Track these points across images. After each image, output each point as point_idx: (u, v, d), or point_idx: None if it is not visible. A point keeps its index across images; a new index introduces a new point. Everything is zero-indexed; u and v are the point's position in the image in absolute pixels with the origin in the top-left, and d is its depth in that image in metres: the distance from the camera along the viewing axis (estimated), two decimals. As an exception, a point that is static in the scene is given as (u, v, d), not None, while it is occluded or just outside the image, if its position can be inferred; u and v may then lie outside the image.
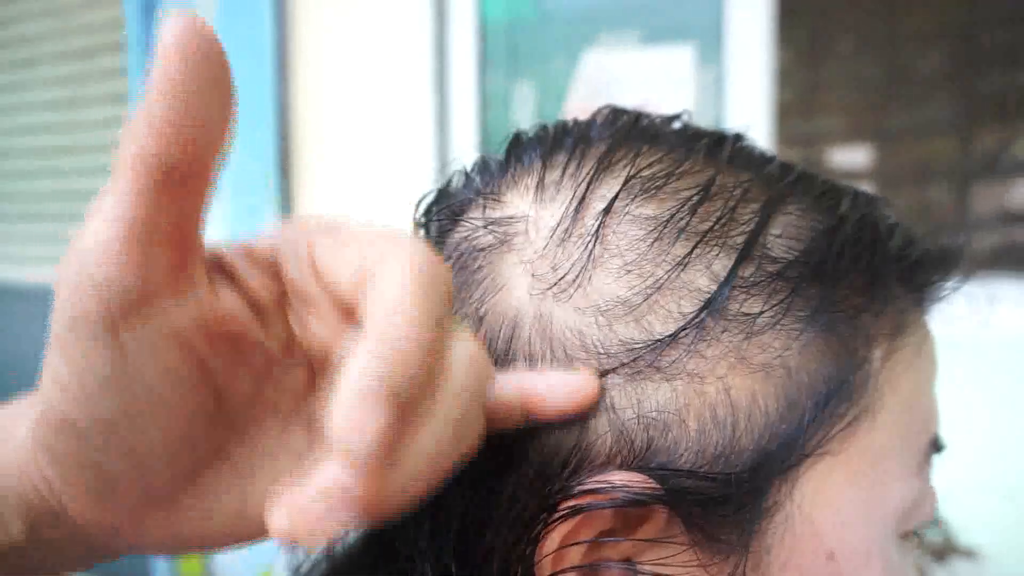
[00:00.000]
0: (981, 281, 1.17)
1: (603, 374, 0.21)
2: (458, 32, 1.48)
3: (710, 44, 1.26)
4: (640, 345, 0.21)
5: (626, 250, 0.22)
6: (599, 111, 0.28)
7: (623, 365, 0.21)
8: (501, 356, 0.22)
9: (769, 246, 0.22)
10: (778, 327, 0.21)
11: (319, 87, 1.63)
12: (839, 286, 0.22)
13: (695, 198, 0.23)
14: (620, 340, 0.21)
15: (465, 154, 1.49)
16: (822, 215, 0.24)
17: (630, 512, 0.21)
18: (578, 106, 1.37)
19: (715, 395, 0.21)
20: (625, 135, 0.26)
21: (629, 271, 0.22)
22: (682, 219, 0.22)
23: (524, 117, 1.45)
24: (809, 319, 0.22)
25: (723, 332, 0.21)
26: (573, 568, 0.21)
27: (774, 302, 0.22)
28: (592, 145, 0.25)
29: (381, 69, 1.54)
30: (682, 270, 0.22)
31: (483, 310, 0.23)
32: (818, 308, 0.22)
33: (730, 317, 0.21)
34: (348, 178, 1.62)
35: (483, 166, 0.28)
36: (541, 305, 0.22)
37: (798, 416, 0.21)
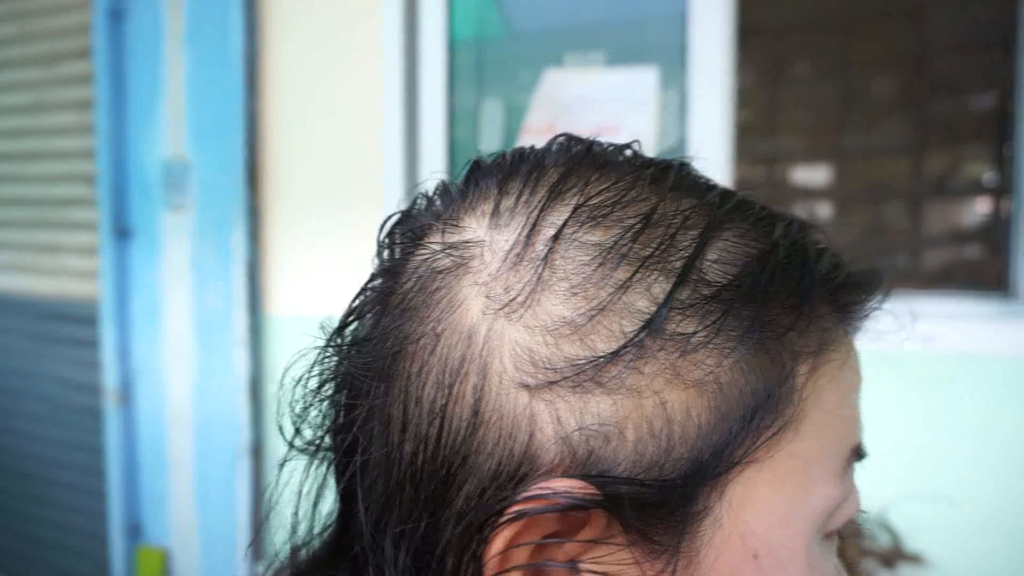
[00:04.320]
0: (930, 298, 1.22)
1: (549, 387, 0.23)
2: (427, 50, 1.50)
3: (673, 66, 1.30)
4: (583, 362, 0.23)
5: (573, 274, 0.24)
6: (555, 138, 0.30)
7: (567, 379, 0.23)
8: (455, 371, 0.24)
9: (705, 270, 0.24)
10: (711, 345, 0.23)
11: (289, 101, 1.63)
12: (768, 307, 0.24)
13: (637, 226, 0.24)
14: (565, 357, 0.23)
15: (434, 169, 1.50)
16: (757, 241, 0.26)
17: (573, 516, 0.22)
18: (537, 125, 1.40)
19: (652, 408, 0.23)
20: (577, 163, 0.27)
21: (575, 293, 0.24)
22: (625, 245, 0.24)
23: (492, 133, 1.47)
24: (740, 338, 0.23)
25: (660, 350, 0.23)
26: (518, 568, 0.22)
27: (708, 323, 0.23)
28: (545, 173, 0.27)
29: (351, 84, 1.56)
30: (624, 293, 0.23)
31: (440, 328, 0.24)
32: (749, 328, 0.23)
33: (667, 336, 0.23)
34: (317, 191, 1.62)
35: (443, 191, 0.29)
36: (494, 323, 0.24)
37: (728, 427, 0.23)
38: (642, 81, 1.31)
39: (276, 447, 1.71)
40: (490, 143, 1.47)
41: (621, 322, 0.23)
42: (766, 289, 0.24)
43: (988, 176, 1.61)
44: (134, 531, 1.85)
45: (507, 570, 0.23)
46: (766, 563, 0.23)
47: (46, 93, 1.95)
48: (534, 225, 0.25)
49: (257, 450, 1.70)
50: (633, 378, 0.23)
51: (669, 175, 0.27)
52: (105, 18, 1.79)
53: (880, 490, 1.10)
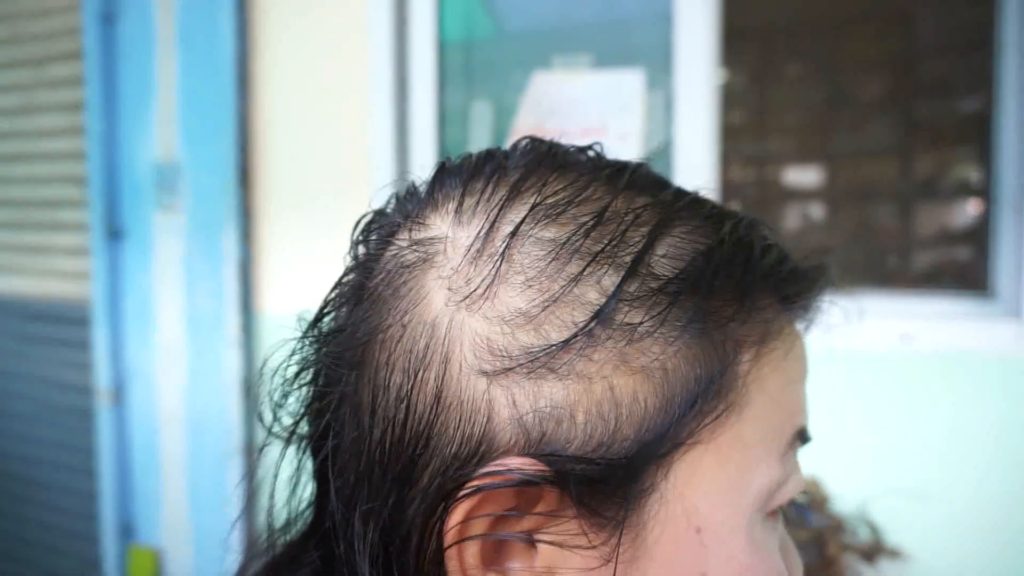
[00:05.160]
0: (910, 298, 1.24)
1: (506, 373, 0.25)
2: (417, 52, 1.51)
3: (659, 68, 1.31)
4: (537, 350, 0.24)
5: (528, 268, 0.25)
6: (519, 140, 0.31)
7: (522, 366, 0.24)
8: (419, 359, 0.25)
9: (654, 265, 0.26)
10: (657, 335, 0.25)
11: (280, 102, 1.64)
12: (712, 299, 0.26)
13: (590, 223, 0.26)
14: (520, 345, 0.25)
15: (423, 169, 1.51)
16: (704, 237, 0.27)
17: (527, 491, 0.24)
18: (526, 127, 1.42)
19: (600, 393, 0.24)
20: (537, 164, 0.29)
21: (530, 286, 0.25)
22: (577, 241, 0.25)
23: (481, 135, 1.49)
24: (684, 328, 0.25)
25: (609, 339, 0.24)
26: (476, 537, 0.24)
27: (654, 313, 0.25)
28: (507, 173, 0.28)
29: (341, 85, 1.57)
30: (575, 285, 0.25)
31: (407, 319, 0.26)
32: (692, 318, 0.25)
33: (615, 326, 0.25)
34: (307, 191, 1.63)
35: (412, 191, 0.31)
36: (455, 315, 0.25)
37: (672, 411, 0.25)
38: (628, 83, 1.33)
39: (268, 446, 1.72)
40: (479, 144, 1.48)
41: (572, 313, 0.25)
42: (710, 282, 0.26)
43: (974, 177, 1.63)
44: (126, 531, 1.86)
45: (465, 540, 0.24)
46: (708, 537, 0.25)
47: (35, 95, 1.96)
48: (493, 222, 0.26)
49: (249, 450, 1.71)
50: (583, 365, 0.24)
51: (625, 175, 0.29)
52: (96, 21, 1.79)
53: (861, 486, 1.12)
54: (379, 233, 0.30)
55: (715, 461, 0.25)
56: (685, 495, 0.25)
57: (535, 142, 0.31)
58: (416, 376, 0.25)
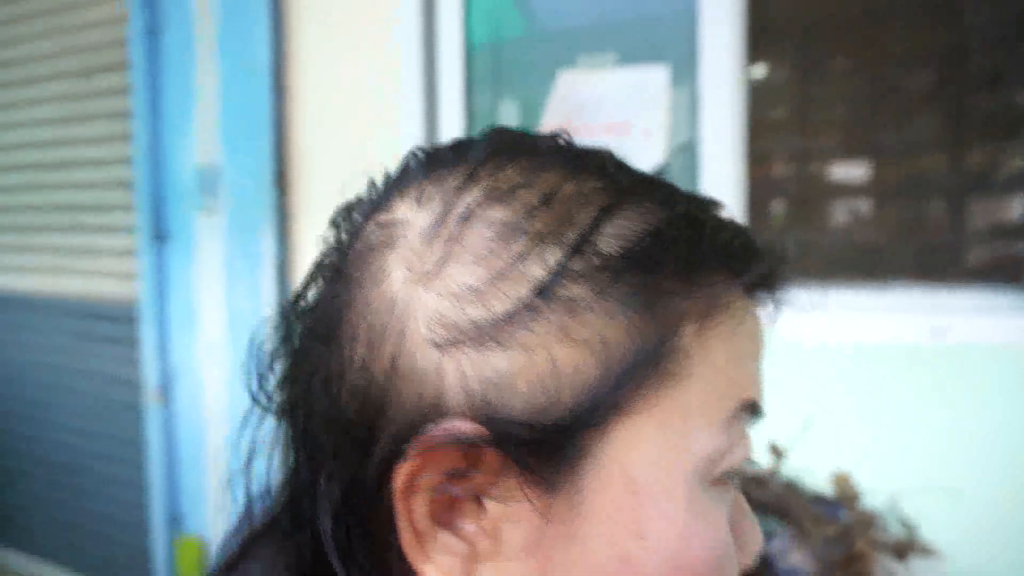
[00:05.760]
0: (944, 291, 1.22)
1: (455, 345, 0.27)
2: (445, 54, 1.54)
3: (684, 64, 1.32)
4: (483, 323, 0.26)
5: (478, 247, 0.27)
6: (488, 129, 0.33)
7: (470, 338, 0.26)
8: (380, 332, 0.27)
9: (600, 243, 0.27)
10: (598, 309, 0.26)
11: (314, 107, 1.69)
12: (656, 275, 0.27)
13: (537, 204, 0.28)
14: (469, 319, 0.26)
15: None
16: (654, 216, 0.28)
17: (472, 454, 0.26)
18: (553, 126, 1.43)
19: (542, 363, 0.26)
20: (497, 151, 0.30)
21: (478, 264, 0.27)
22: (524, 221, 0.27)
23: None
24: (625, 302, 0.26)
25: (550, 313, 0.26)
26: (422, 493, 0.26)
27: (596, 289, 0.26)
28: (467, 160, 0.30)
29: (373, 89, 1.60)
30: (520, 263, 0.27)
31: (370, 296, 0.28)
32: (633, 293, 0.26)
33: (557, 301, 0.26)
34: (341, 193, 1.67)
35: (385, 179, 0.33)
36: (412, 291, 0.27)
37: (610, 380, 0.26)
38: (653, 80, 1.33)
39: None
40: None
41: (517, 288, 0.26)
42: (654, 259, 0.27)
43: None
44: (174, 522, 1.93)
45: (412, 496, 0.26)
46: (645, 500, 0.27)
47: (85, 105, 2.05)
48: (448, 206, 0.28)
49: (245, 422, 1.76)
50: (526, 337, 0.26)
51: (583, 160, 0.30)
52: (141, 33, 1.87)
53: (892, 481, 1.11)
54: (352, 218, 0.32)
55: (653, 428, 0.27)
56: (623, 459, 0.27)
57: (500, 131, 0.32)
58: (376, 348, 0.27)
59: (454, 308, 0.27)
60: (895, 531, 1.10)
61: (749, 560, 0.31)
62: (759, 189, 1.39)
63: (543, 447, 0.26)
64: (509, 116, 1.51)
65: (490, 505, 0.27)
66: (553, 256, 0.27)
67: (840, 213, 1.65)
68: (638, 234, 0.27)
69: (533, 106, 1.46)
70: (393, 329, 0.27)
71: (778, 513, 1.09)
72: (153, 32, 1.88)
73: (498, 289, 0.27)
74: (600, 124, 1.38)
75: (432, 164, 0.31)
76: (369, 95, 1.61)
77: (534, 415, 0.26)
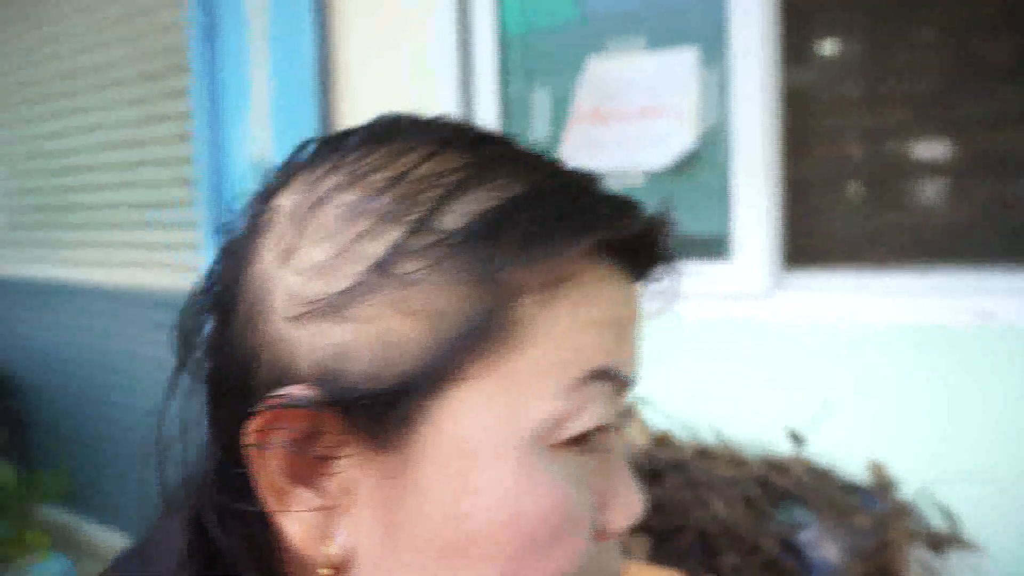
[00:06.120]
0: (988, 273, 1.16)
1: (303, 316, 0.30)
2: (479, 43, 1.56)
3: (713, 46, 1.29)
4: (326, 297, 0.28)
5: (327, 228, 0.29)
6: (379, 117, 0.34)
7: (316, 311, 0.28)
8: (253, 307, 0.30)
9: (442, 221, 0.29)
10: (433, 283, 0.28)
11: (357, 99, 1.74)
12: (493, 250, 0.28)
13: (382, 186, 0.29)
14: (315, 293, 0.29)
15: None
16: (504, 192, 0.29)
17: (317, 416, 0.28)
18: (583, 112, 1.43)
19: (378, 333, 0.28)
20: (371, 137, 0.32)
21: (325, 243, 0.29)
22: (369, 203, 0.29)
23: (541, 121, 1.52)
24: (460, 276, 0.28)
25: (387, 287, 0.28)
26: (277, 450, 0.29)
27: (432, 264, 0.28)
28: (340, 148, 0.32)
29: (409, 78, 1.64)
30: (361, 241, 0.28)
31: (247, 274, 0.31)
32: (469, 268, 0.28)
33: (394, 276, 0.28)
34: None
35: (282, 167, 0.35)
36: (275, 270, 0.30)
37: (443, 349, 0.28)
38: (682, 63, 1.31)
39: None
40: (540, 131, 1.51)
41: (356, 265, 0.28)
42: (493, 235, 0.28)
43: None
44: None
45: (266, 452, 0.29)
46: (476, 461, 0.28)
47: (152, 107, 2.17)
48: (312, 191, 0.31)
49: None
50: (364, 310, 0.28)
51: (454, 140, 0.32)
52: (200, 36, 1.96)
53: (931, 470, 1.06)
54: (255, 204, 0.34)
55: (487, 393, 0.28)
56: (456, 422, 0.28)
57: (383, 117, 0.34)
58: (251, 322, 0.30)
59: (304, 284, 0.29)
60: (932, 522, 1.06)
61: (623, 522, 0.31)
62: (829, 168, 1.34)
63: (380, 411, 0.28)
64: (541, 103, 1.51)
65: (340, 464, 0.29)
66: (393, 234, 0.29)
67: (919, 191, 1.56)
68: (481, 211, 0.29)
69: (567, 92, 1.46)
70: (263, 304, 0.30)
71: (809, 502, 1.07)
72: (210, 35, 1.97)
73: (340, 266, 0.29)
74: (630, 109, 1.37)
75: (317, 152, 0.33)
76: (407, 87, 1.65)
77: (370, 381, 0.28)
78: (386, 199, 0.29)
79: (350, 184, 0.30)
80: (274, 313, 0.30)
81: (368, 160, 0.31)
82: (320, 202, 0.30)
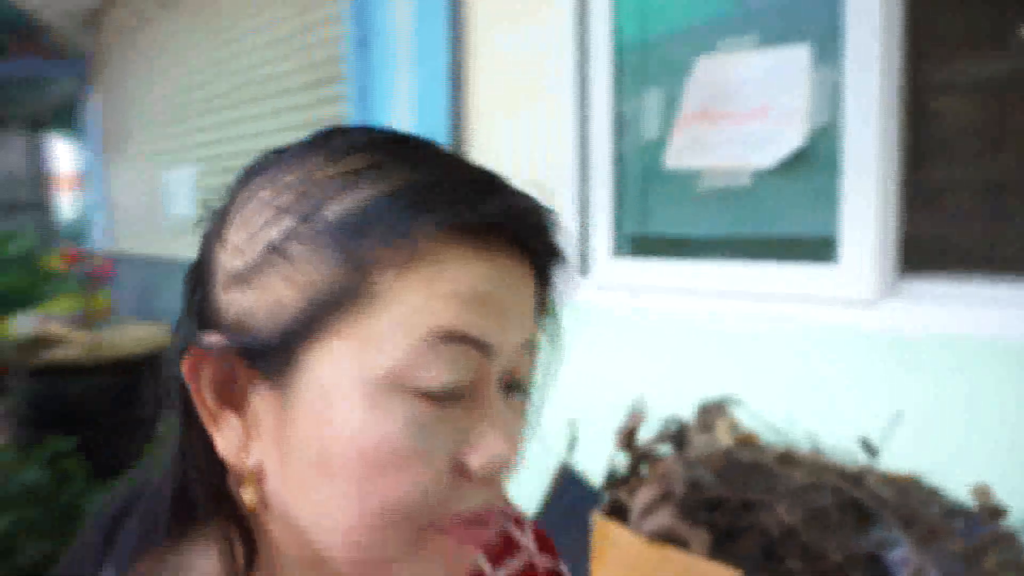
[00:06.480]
0: None
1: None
2: (595, 46, 1.61)
3: (827, 44, 1.25)
4: (241, 271, 0.37)
5: (246, 217, 0.38)
6: (320, 129, 0.42)
7: (235, 281, 0.37)
8: (208, 278, 0.39)
9: (326, 213, 0.36)
10: (312, 261, 0.35)
11: (486, 97, 1.85)
12: (360, 236, 0.35)
13: (289, 185, 0.37)
14: (235, 267, 0.38)
15: (602, 155, 1.61)
16: (377, 190, 0.36)
17: (232, 360, 0.37)
18: (691, 112, 1.43)
19: (271, 299, 0.36)
20: (302, 147, 0.40)
21: (243, 229, 0.38)
22: (276, 199, 0.37)
23: (652, 122, 1.54)
24: (333, 256, 0.35)
25: (280, 264, 0.36)
26: (206, 383, 0.37)
27: (313, 247, 0.35)
28: (282, 155, 0.40)
29: (533, 81, 1.72)
30: (266, 228, 0.37)
31: (209, 252, 0.40)
32: (340, 250, 0.35)
33: (285, 255, 0.36)
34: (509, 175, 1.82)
35: (241, 173, 0.43)
36: (217, 250, 0.39)
37: (314, 311, 0.35)
38: (793, 61, 1.28)
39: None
40: (652, 129, 1.54)
41: (259, 247, 0.37)
42: (363, 224, 0.35)
43: None
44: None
45: (199, 383, 0.38)
46: (334, 400, 0.35)
47: (314, 111, 2.43)
48: (248, 188, 0.40)
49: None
50: (262, 281, 0.37)
51: (362, 147, 0.38)
52: (354, 46, 2.18)
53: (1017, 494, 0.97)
54: (222, 199, 0.43)
55: (347, 347, 0.35)
56: (323, 369, 0.35)
57: (322, 130, 0.41)
58: (203, 288, 0.40)
59: (229, 261, 0.38)
60: (1042, 556, 0.97)
61: (483, 464, 0.36)
62: (960, 172, 1.26)
63: (270, 358, 0.36)
64: (654, 104, 1.53)
65: (251, 398, 0.38)
66: (287, 223, 0.37)
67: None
68: (356, 204, 0.36)
69: (679, 93, 1.47)
70: (211, 276, 0.40)
71: (898, 520, 1.02)
72: (363, 44, 2.18)
73: (249, 247, 0.38)
74: (739, 108, 1.36)
75: (269, 158, 0.41)
76: (530, 85, 1.74)
77: (263, 335, 0.37)
78: (290, 196, 0.38)
79: (271, 183, 0.39)
80: (215, 283, 0.39)
81: (291, 164, 0.39)
82: (248, 198, 0.39)
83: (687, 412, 1.28)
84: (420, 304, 0.35)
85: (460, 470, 0.37)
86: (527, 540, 0.55)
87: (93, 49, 4.54)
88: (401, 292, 0.35)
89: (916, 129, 1.21)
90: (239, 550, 0.39)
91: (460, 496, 0.37)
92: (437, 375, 0.35)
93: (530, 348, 0.40)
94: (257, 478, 0.38)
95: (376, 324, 0.35)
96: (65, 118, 6.18)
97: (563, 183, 1.66)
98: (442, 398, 0.36)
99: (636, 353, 1.52)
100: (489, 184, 0.38)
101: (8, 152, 7.68)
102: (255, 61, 2.75)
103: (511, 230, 0.37)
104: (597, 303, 1.59)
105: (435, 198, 0.36)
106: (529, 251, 0.39)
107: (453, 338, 0.36)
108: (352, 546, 0.36)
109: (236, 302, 0.38)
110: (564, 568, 0.57)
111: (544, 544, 0.56)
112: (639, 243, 1.59)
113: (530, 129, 1.75)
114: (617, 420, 1.31)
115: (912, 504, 1.02)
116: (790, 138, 1.29)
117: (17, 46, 5.31)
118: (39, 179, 7.74)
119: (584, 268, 1.66)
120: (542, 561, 0.55)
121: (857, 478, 1.00)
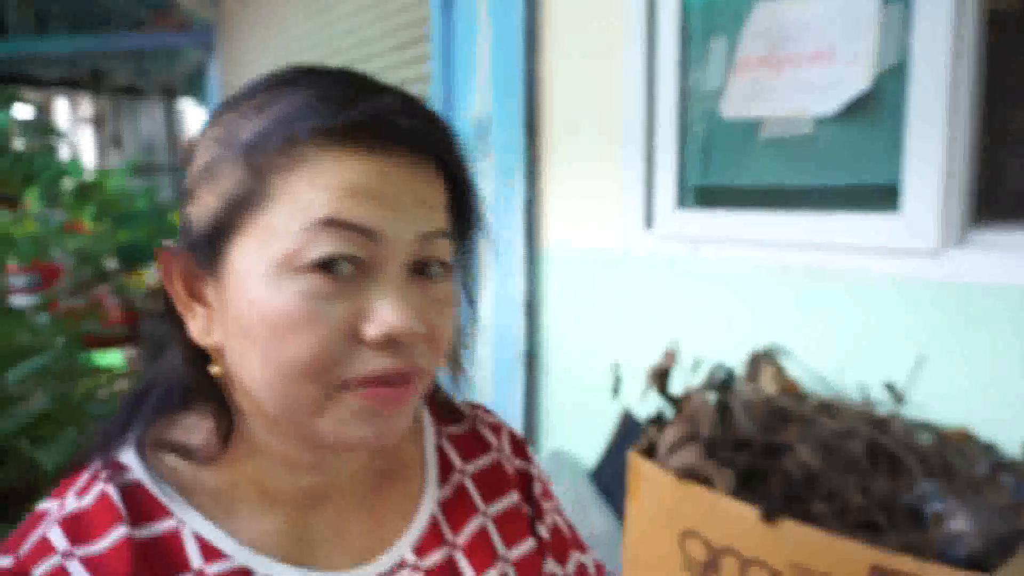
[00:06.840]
0: None
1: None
2: (664, 2, 1.59)
3: (897, -20, 1.19)
4: (190, 187, 0.47)
5: (199, 145, 0.48)
6: (277, 69, 0.48)
7: (187, 196, 0.48)
8: (183, 194, 0.49)
9: (241, 135, 0.44)
10: (227, 174, 0.44)
11: (561, 65, 1.88)
12: (260, 150, 0.43)
13: (225, 116, 0.46)
14: (187, 186, 0.48)
15: (668, 110, 1.61)
16: (276, 111, 0.44)
17: (188, 258, 0.47)
18: (751, 57, 1.40)
19: (203, 206, 0.46)
20: (252, 86, 0.47)
21: (195, 155, 0.48)
22: (212, 131, 0.47)
23: (717, 69, 1.51)
24: (241, 168, 0.44)
25: (209, 180, 0.45)
26: (176, 277, 0.47)
27: (229, 163, 0.44)
28: (237, 95, 0.48)
29: (605, 50, 1.73)
30: (204, 152, 0.46)
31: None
32: (247, 163, 0.44)
33: (213, 173, 0.45)
34: (580, 143, 1.85)
35: (215, 107, 0.51)
36: (186, 178, 0.49)
37: (228, 212, 0.44)
38: (860, 1, 1.23)
39: (545, 357, 2.03)
40: (715, 79, 1.52)
41: (198, 167, 0.47)
42: (262, 140, 0.44)
43: None
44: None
45: (171, 277, 0.48)
46: (246, 280, 0.44)
47: (400, 72, 2.54)
48: (208, 130, 0.48)
49: (530, 358, 2.04)
50: (199, 193, 0.47)
51: (292, 80, 0.46)
52: (438, 9, 2.25)
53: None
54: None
55: (253, 238, 0.44)
56: (240, 261, 0.44)
57: (278, 69, 0.48)
58: (184, 203, 0.49)
59: (187, 180, 0.48)
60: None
61: (376, 330, 0.43)
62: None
63: (205, 254, 0.46)
64: (719, 51, 1.51)
65: (206, 290, 0.47)
66: (216, 149, 0.46)
67: None
68: (258, 125, 0.44)
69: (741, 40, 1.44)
70: (183, 196, 0.50)
71: (939, 471, 1.00)
72: (447, 6, 2.25)
73: (194, 169, 0.47)
74: (801, 52, 1.32)
75: (233, 96, 0.49)
76: (602, 55, 1.74)
77: (197, 236, 0.46)
78: (221, 127, 0.47)
79: (218, 117, 0.48)
80: (183, 202, 0.49)
81: (230, 107, 0.48)
82: (203, 131, 0.49)
83: (745, 362, 1.29)
84: (304, 198, 0.43)
85: (357, 337, 0.44)
86: (501, 443, 0.62)
87: (216, 21, 4.87)
88: (290, 190, 0.43)
89: (992, 71, 1.13)
90: (222, 418, 0.49)
91: (361, 359, 0.44)
92: (320, 253, 0.43)
93: (439, 236, 0.47)
94: (219, 354, 0.48)
95: (273, 218, 0.43)
96: (195, 86, 6.68)
97: (630, 137, 1.67)
98: (336, 275, 0.43)
99: (699, 303, 1.54)
100: (361, 92, 0.45)
101: (147, 119, 8.42)
102: (346, 27, 2.89)
103: (380, 130, 0.44)
104: (661, 254, 1.61)
105: (313, 110, 0.43)
106: (416, 150, 0.46)
107: (332, 224, 0.43)
108: (273, 401, 0.45)
109: (187, 215, 0.48)
110: (536, 470, 0.63)
111: (518, 448, 0.63)
112: (702, 194, 1.59)
113: (600, 84, 1.76)
114: (681, 369, 1.34)
115: (949, 455, 1.00)
116: (854, 82, 1.24)
117: (154, 20, 5.79)
118: (174, 143, 8.45)
119: (649, 220, 1.67)
120: (512, 461, 0.62)
121: (885, 426, 0.99)
